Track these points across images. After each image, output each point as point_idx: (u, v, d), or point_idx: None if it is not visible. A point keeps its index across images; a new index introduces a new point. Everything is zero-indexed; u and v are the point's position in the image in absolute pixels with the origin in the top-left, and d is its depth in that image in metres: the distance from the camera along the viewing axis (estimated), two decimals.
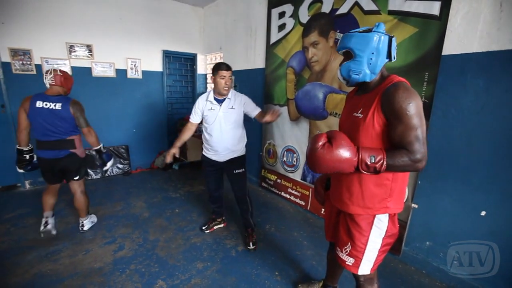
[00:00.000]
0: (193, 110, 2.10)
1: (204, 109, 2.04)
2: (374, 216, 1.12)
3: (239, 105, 2.06)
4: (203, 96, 2.08)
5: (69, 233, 2.32)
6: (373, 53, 1.02)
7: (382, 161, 0.93)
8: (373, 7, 1.99)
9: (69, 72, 3.25)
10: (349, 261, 1.19)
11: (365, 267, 1.17)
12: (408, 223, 1.96)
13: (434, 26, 1.70)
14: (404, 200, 1.95)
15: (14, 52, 2.97)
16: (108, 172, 3.79)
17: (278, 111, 2.01)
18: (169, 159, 2.13)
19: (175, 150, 2.11)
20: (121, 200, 3.02)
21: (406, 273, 1.94)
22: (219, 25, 3.98)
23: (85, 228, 2.36)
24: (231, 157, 2.11)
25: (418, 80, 1.78)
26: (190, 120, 2.13)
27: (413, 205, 1.92)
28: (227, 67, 1.94)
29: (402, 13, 1.83)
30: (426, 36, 1.74)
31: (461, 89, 1.66)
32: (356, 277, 1.25)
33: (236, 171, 2.15)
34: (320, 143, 0.98)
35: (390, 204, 1.10)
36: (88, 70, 3.45)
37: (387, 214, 1.12)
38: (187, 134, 2.17)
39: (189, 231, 2.41)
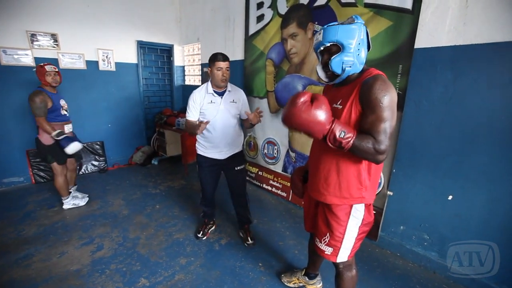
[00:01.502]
0: (188, 106, 1.90)
1: (202, 102, 1.87)
2: (351, 206, 1.16)
3: (240, 101, 1.96)
4: (200, 89, 1.90)
5: (41, 236, 2.20)
6: (359, 44, 1.03)
7: (349, 139, 0.95)
8: None
9: (33, 64, 3.03)
10: (328, 250, 1.23)
11: (343, 255, 1.22)
12: (384, 210, 2.07)
13: (407, 20, 1.75)
14: (377, 192, 2.05)
15: None
16: (83, 170, 3.60)
17: (261, 112, 1.81)
18: (204, 125, 1.70)
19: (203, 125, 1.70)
20: (97, 198, 2.89)
21: (382, 257, 2.05)
22: (197, 15, 3.84)
23: (64, 206, 2.63)
24: (232, 153, 2.01)
25: (392, 72, 1.84)
26: (188, 118, 1.91)
27: (388, 192, 2.02)
28: (223, 58, 1.81)
29: (378, 6, 1.87)
30: (400, 29, 1.79)
31: (432, 81, 1.74)
32: (336, 264, 1.30)
33: (238, 167, 2.05)
34: (302, 100, 0.96)
35: (365, 194, 1.14)
36: (54, 61, 3.20)
37: (363, 204, 1.17)
38: (194, 126, 1.83)
39: (171, 227, 2.38)
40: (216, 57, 1.81)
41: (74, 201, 2.68)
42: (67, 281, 1.73)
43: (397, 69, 1.83)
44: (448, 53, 1.66)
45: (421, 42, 1.74)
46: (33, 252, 2.00)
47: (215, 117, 1.87)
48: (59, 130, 2.41)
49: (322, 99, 0.97)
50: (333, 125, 0.96)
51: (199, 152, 2.03)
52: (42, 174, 3.28)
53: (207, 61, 3.79)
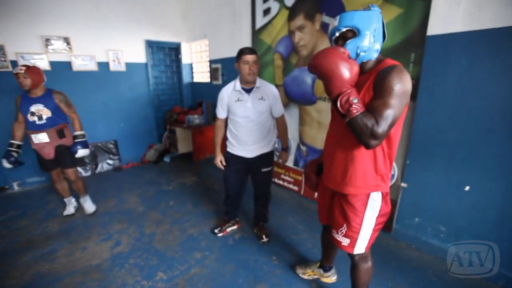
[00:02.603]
0: (217, 104, 1.94)
1: (229, 100, 1.87)
2: (368, 196, 1.16)
3: (269, 98, 1.86)
4: (228, 87, 1.89)
5: (64, 232, 2.30)
6: (375, 31, 1.02)
7: (357, 108, 0.94)
8: None
9: (48, 68, 3.14)
10: (345, 241, 1.23)
11: (360, 246, 1.22)
12: (399, 202, 2.04)
13: (419, 6, 1.70)
14: (391, 183, 2.02)
15: None
16: (98, 169, 3.72)
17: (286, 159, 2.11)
18: (220, 166, 2.00)
19: (220, 157, 1.98)
20: (113, 196, 2.99)
21: (398, 249, 2.04)
22: (203, 11, 3.85)
23: (85, 207, 2.61)
24: (261, 153, 1.95)
25: (405, 61, 1.80)
26: (217, 116, 1.95)
27: (402, 184, 1.99)
28: (250, 51, 1.75)
29: None
30: (411, 16, 1.74)
31: (445, 69, 1.69)
32: (351, 256, 1.30)
33: (264, 169, 1.99)
34: (343, 50, 0.99)
35: (381, 183, 1.14)
36: (68, 64, 3.30)
37: (380, 193, 1.16)
38: (219, 134, 2.00)
39: (185, 223, 2.43)
40: (242, 51, 1.76)
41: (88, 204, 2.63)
42: (89, 274, 1.81)
43: (409, 58, 1.79)
44: (463, 39, 1.60)
45: (433, 29, 1.69)
46: (57, 247, 2.10)
47: (242, 115, 1.84)
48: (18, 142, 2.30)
49: (356, 65, 0.99)
50: (351, 89, 0.96)
51: (227, 149, 2.02)
52: None
53: (214, 58, 3.83)
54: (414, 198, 1.98)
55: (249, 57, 1.74)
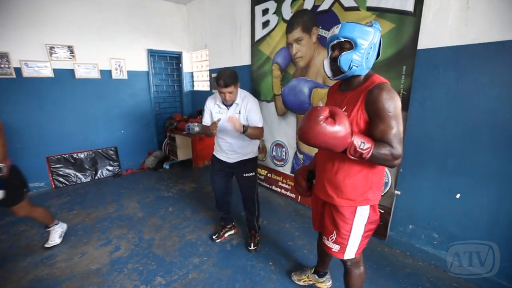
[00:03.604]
0: (203, 111, 2.05)
1: (212, 111, 1.99)
2: (356, 207, 1.21)
3: (246, 109, 1.91)
4: (212, 98, 2.01)
5: (63, 237, 2.31)
6: (371, 48, 1.06)
7: (369, 149, 0.98)
8: (353, 3, 2.06)
9: (52, 75, 3.22)
10: (335, 248, 1.28)
11: (350, 252, 1.26)
12: (392, 209, 2.09)
13: (410, 21, 1.79)
14: (385, 191, 2.07)
15: None
16: (98, 175, 3.76)
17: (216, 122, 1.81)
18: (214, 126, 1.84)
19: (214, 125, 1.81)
20: (113, 202, 3.02)
21: (392, 256, 2.07)
22: (204, 22, 3.97)
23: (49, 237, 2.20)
24: (240, 159, 2.03)
25: (396, 73, 1.88)
26: (203, 122, 2.06)
27: (396, 192, 2.04)
28: (225, 83, 1.74)
29: (380, 9, 1.92)
30: (403, 31, 1.83)
31: (435, 80, 1.77)
32: (344, 262, 1.34)
33: (246, 174, 2.07)
34: (323, 116, 0.95)
35: (371, 196, 1.19)
36: (71, 72, 3.38)
37: (368, 206, 1.21)
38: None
39: (183, 228, 2.46)
40: (218, 82, 1.77)
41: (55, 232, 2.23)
42: (88, 279, 1.83)
43: (401, 70, 1.87)
44: (451, 53, 1.69)
45: (423, 43, 1.78)
46: (56, 252, 2.12)
47: (221, 127, 1.92)
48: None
49: (341, 113, 0.97)
50: (354, 138, 0.97)
51: (213, 152, 2.14)
52: (61, 179, 3.45)
53: (214, 67, 3.93)
54: (408, 205, 2.03)
55: (224, 90, 1.78)
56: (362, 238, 1.25)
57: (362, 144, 0.97)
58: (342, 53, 1.07)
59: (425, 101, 1.83)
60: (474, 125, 1.66)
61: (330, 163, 1.22)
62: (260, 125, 1.94)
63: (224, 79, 1.74)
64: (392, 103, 1.00)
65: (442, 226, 1.89)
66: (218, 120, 1.79)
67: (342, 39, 1.07)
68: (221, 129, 1.95)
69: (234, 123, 1.74)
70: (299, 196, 2.90)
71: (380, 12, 1.92)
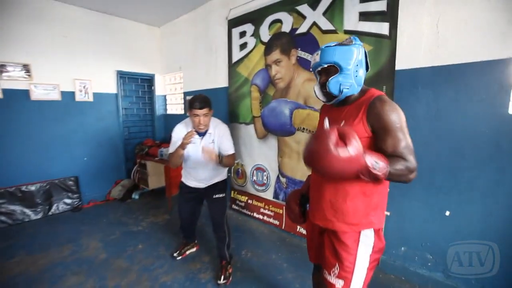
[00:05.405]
0: (172, 140, 1.95)
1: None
2: (359, 233, 1.09)
3: (218, 137, 1.94)
4: (182, 126, 1.95)
5: None
6: (357, 65, 1.03)
7: (384, 170, 0.87)
8: (330, 27, 2.12)
9: (0, 96, 2.82)
10: (339, 284, 1.11)
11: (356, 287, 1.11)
12: (383, 231, 2.00)
13: (386, 44, 1.85)
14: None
15: None
16: (52, 210, 3.24)
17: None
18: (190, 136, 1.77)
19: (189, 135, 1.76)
20: (70, 242, 2.56)
21: (387, 282, 1.94)
22: (178, 45, 3.89)
23: None
24: (213, 182, 2.04)
25: None
26: (170, 152, 1.96)
27: (386, 213, 1.97)
28: (200, 105, 1.73)
29: (357, 32, 1.97)
30: (380, 53, 1.88)
31: (416, 100, 1.81)
32: None
33: (216, 196, 2.04)
34: (334, 142, 0.82)
35: (374, 219, 1.08)
36: (25, 92, 3.01)
37: (372, 229, 1.09)
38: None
39: (156, 269, 2.12)
40: (193, 104, 1.74)
41: None
42: None
43: (381, 90, 1.88)
44: (427, 74, 1.75)
45: (401, 64, 1.83)
46: None
47: (196, 156, 1.89)
48: None
49: (351, 132, 0.85)
50: (364, 161, 0.85)
51: (182, 179, 2.10)
52: (2, 218, 2.89)
53: (189, 90, 3.79)
54: (398, 226, 1.96)
55: (199, 112, 1.75)
56: (368, 270, 1.11)
57: (376, 164, 0.87)
58: (329, 79, 1.04)
59: (407, 119, 1.82)
60: (456, 141, 1.68)
61: (327, 183, 1.11)
62: (232, 152, 1.99)
63: (200, 101, 1.75)
64: (397, 114, 0.96)
65: (435, 246, 1.83)
66: (193, 133, 1.76)
67: (325, 65, 1.05)
68: (193, 160, 1.92)
69: (210, 155, 1.76)
70: (284, 223, 2.72)
71: (357, 35, 1.97)
